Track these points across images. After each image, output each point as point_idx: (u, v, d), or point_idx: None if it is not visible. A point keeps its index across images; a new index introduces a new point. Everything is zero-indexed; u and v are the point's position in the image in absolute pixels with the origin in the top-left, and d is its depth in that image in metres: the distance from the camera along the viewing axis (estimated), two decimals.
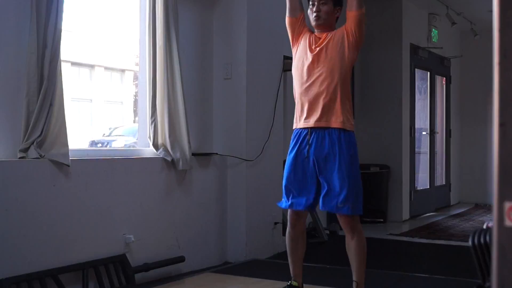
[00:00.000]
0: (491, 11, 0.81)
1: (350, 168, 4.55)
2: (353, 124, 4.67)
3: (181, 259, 5.79)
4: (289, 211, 4.79)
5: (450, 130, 12.01)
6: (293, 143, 4.73)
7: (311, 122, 4.60)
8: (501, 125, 0.77)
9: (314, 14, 4.68)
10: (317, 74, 4.59)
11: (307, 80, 4.63)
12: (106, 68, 23.28)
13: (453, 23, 10.31)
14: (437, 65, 11.31)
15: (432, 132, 11.32)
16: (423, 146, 11.04)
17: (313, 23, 4.74)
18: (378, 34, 9.25)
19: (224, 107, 6.58)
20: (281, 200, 4.81)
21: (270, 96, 6.76)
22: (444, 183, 11.90)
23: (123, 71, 23.80)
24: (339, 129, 4.56)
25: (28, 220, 4.59)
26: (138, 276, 5.32)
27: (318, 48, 4.62)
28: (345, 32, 4.58)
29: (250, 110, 6.50)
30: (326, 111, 4.55)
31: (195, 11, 6.42)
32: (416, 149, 10.42)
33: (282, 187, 4.80)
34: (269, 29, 6.75)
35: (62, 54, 4.82)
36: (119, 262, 5.22)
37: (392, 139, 9.64)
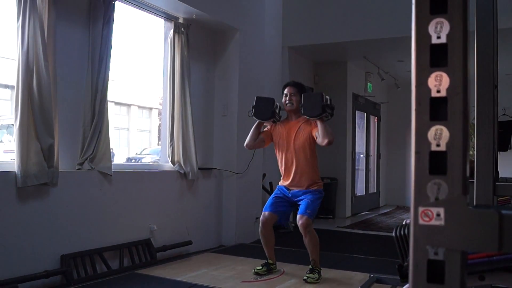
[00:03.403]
0: (409, 71, 0.82)
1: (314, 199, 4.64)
2: (321, 184, 4.80)
3: (189, 243, 5.76)
4: (262, 215, 4.81)
5: (380, 154, 12.05)
6: (277, 190, 4.88)
7: (294, 187, 4.73)
8: (417, 152, 0.78)
9: (288, 102, 4.77)
10: (297, 159, 4.69)
11: (290, 162, 4.73)
12: (139, 107, 23.23)
13: (382, 79, 10.37)
14: (371, 108, 11.37)
15: (367, 155, 11.35)
16: (361, 164, 11.06)
17: (286, 108, 4.83)
18: (331, 86, 9.32)
19: (221, 136, 6.57)
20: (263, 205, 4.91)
21: None
22: (375, 190, 11.90)
23: (151, 109, 23.74)
24: (312, 189, 4.70)
25: (82, 213, 4.57)
26: (158, 255, 5.30)
27: (294, 140, 4.72)
28: (311, 132, 4.61)
29: (240, 138, 6.49)
30: (303, 180, 4.69)
31: (203, 67, 6.43)
32: (356, 167, 10.43)
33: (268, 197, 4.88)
34: (254, 81, 6.78)
35: (108, 96, 4.82)
36: (145, 244, 5.20)
37: (339, 160, 9.65)
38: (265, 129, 4.93)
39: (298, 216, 4.59)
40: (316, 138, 4.57)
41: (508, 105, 9.36)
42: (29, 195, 4.10)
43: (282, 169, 4.82)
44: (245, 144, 4.92)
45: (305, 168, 4.68)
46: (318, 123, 4.50)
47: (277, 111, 4.79)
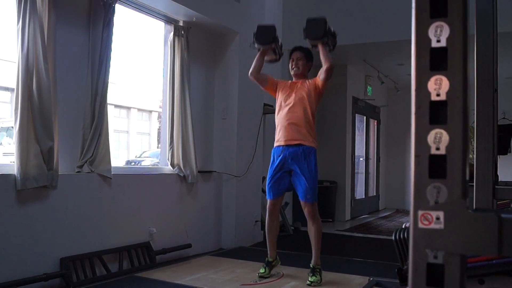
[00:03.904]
0: (409, 75, 0.83)
1: (313, 173, 4.64)
2: (316, 143, 4.74)
3: (189, 246, 5.75)
4: (268, 203, 4.86)
5: (379, 157, 12.05)
6: (272, 160, 4.80)
7: (287, 141, 4.67)
8: (416, 156, 0.78)
9: (294, 67, 4.78)
10: (293, 110, 4.67)
11: (286, 114, 4.68)
12: (139, 109, 23.23)
13: (382, 82, 10.38)
14: (371, 111, 11.37)
15: (366, 158, 11.35)
16: (360, 168, 11.06)
17: (292, 72, 4.85)
18: (330, 89, 9.27)
19: (221, 139, 6.57)
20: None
21: (253, 131, 6.76)
22: (374, 194, 11.90)
23: (150, 111, 23.74)
24: (306, 145, 4.64)
25: (82, 216, 4.56)
26: (158, 258, 5.29)
27: (294, 94, 4.71)
28: (314, 85, 4.65)
29: (239, 141, 6.51)
30: (297, 130, 4.64)
31: (203, 70, 6.44)
32: (355, 170, 10.42)
33: (267, 186, 4.87)
34: (253, 84, 6.76)
35: (108, 99, 4.83)
36: (145, 247, 5.19)
37: (339, 163, 9.66)
38: (274, 79, 4.95)
39: (301, 203, 4.66)
40: (319, 76, 4.64)
41: (507, 108, 9.36)
42: (28, 197, 4.10)
43: (277, 120, 4.78)
44: (249, 72, 4.90)
45: (301, 118, 4.64)
46: (320, 46, 4.53)
47: (279, 42, 4.82)
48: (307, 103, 4.66)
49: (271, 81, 4.89)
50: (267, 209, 4.84)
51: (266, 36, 4.77)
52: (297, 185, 4.66)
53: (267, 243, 4.91)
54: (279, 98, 4.81)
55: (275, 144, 4.79)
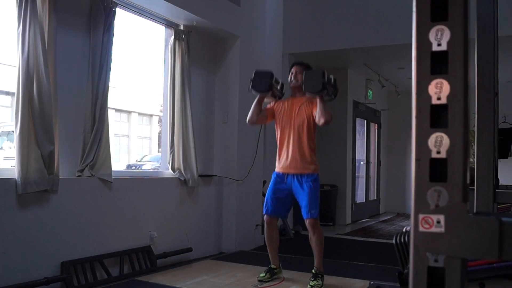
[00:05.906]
0: (410, 78, 0.83)
1: (314, 192, 4.60)
2: (318, 167, 4.72)
3: (189, 250, 5.75)
4: (264, 216, 4.84)
5: (380, 161, 12.04)
6: (273, 181, 4.81)
7: (289, 169, 4.68)
8: (417, 160, 0.78)
9: (293, 79, 4.77)
10: (294, 138, 4.67)
11: (289, 142, 4.70)
12: (140, 114, 23.21)
13: (383, 86, 10.38)
14: (371, 115, 11.37)
15: (367, 162, 11.34)
16: (361, 172, 11.04)
17: (291, 84, 4.82)
18: None
19: (222, 143, 6.57)
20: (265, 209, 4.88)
21: (254, 135, 6.76)
22: (375, 197, 11.88)
23: (151, 115, 23.72)
24: (309, 173, 4.63)
25: (82, 220, 4.56)
26: (159, 262, 5.29)
27: (294, 118, 4.70)
28: (312, 111, 4.60)
29: (240, 145, 6.51)
30: (298, 159, 4.64)
31: (203, 74, 6.44)
32: (356, 174, 10.41)
33: (265, 200, 4.86)
34: None
35: (108, 103, 4.83)
36: (146, 251, 5.19)
37: (339, 167, 9.65)
38: (268, 106, 4.93)
39: (305, 220, 4.61)
40: (315, 117, 4.57)
41: (508, 112, 9.35)
42: (29, 202, 4.10)
43: (278, 146, 4.79)
44: (247, 119, 4.89)
45: (302, 146, 4.64)
46: (317, 101, 4.48)
47: (277, 86, 4.77)
48: (308, 128, 4.66)
49: (269, 114, 4.88)
50: (265, 222, 4.85)
51: (263, 83, 4.69)
52: (300, 202, 4.65)
53: (269, 253, 4.91)
54: (278, 118, 4.81)
55: (277, 169, 4.80)
